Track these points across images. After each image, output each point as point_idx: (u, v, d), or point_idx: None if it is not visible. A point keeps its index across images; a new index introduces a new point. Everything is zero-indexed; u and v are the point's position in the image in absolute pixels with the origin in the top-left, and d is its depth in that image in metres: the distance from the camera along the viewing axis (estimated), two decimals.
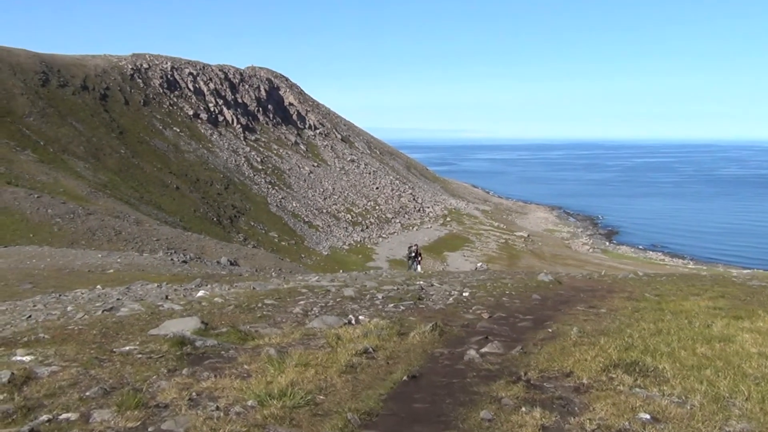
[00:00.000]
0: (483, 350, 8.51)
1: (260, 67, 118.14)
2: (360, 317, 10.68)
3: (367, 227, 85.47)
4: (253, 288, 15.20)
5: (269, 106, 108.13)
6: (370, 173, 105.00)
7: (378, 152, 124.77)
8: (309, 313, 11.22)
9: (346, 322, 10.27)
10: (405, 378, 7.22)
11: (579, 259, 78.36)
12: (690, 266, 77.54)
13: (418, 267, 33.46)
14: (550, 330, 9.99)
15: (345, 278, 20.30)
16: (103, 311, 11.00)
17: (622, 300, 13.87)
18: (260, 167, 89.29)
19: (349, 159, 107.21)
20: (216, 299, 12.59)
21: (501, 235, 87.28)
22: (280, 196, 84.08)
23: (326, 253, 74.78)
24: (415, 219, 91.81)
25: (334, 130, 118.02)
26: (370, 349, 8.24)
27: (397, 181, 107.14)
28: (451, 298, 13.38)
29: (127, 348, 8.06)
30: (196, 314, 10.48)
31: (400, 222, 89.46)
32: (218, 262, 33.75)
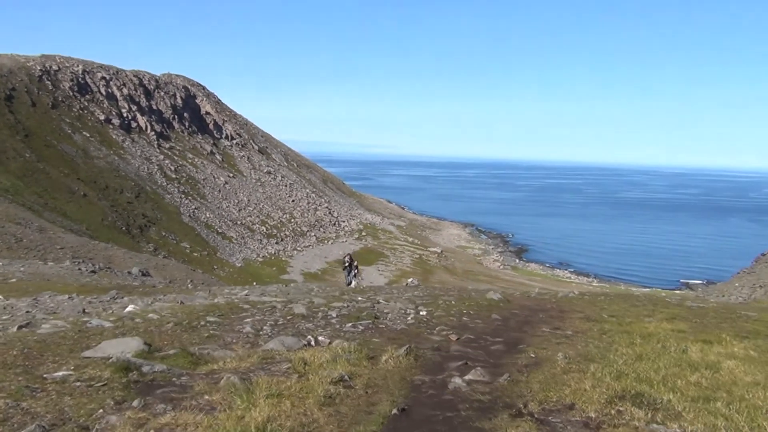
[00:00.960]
0: (467, 378, 8.13)
1: (177, 75, 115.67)
2: (319, 338, 10.22)
3: (282, 240, 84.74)
4: (181, 302, 14.65)
5: (185, 115, 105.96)
6: (286, 186, 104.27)
7: (295, 165, 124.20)
8: (260, 332, 10.67)
9: (306, 343, 9.79)
10: (394, 411, 6.71)
11: (490, 275, 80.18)
12: (594, 284, 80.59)
13: (355, 279, 32.85)
14: (532, 355, 9.73)
15: (276, 291, 20.18)
16: (19, 327, 10.02)
17: (582, 321, 13.92)
18: (174, 176, 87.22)
19: (265, 171, 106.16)
20: (150, 315, 11.80)
21: (415, 250, 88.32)
22: (193, 206, 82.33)
23: (240, 264, 73.64)
24: (330, 233, 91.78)
25: (251, 141, 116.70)
26: (346, 377, 7.63)
27: (314, 195, 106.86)
28: (409, 318, 13.09)
29: (61, 373, 7.15)
30: (131, 333, 9.77)
31: (315, 235, 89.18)
32: (129, 273, 32.67)
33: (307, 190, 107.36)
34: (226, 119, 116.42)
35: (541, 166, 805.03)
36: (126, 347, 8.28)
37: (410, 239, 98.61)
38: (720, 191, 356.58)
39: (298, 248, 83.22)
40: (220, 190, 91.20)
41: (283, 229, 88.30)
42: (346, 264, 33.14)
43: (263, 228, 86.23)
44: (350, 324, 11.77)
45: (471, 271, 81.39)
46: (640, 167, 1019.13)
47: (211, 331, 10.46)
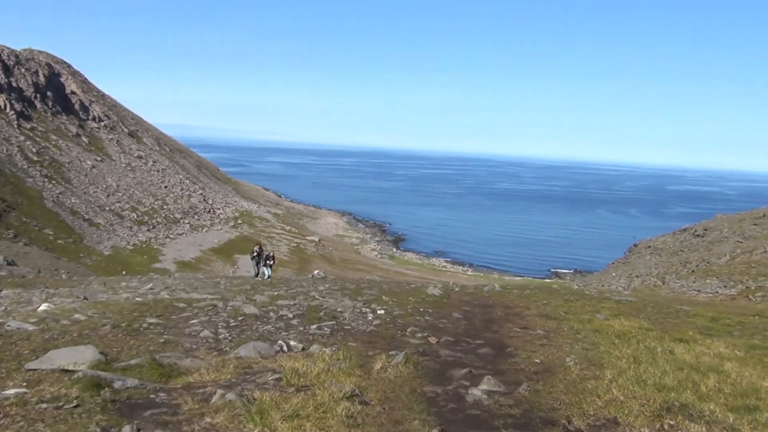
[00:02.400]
0: (482, 388, 7.90)
1: (39, 51, 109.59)
2: (291, 343, 9.77)
3: (153, 227, 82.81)
4: (84, 298, 14.02)
5: (48, 93, 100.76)
6: (158, 171, 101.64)
7: (168, 149, 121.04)
8: (219, 336, 10.18)
9: (278, 349, 9.34)
10: None
11: (368, 264, 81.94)
12: (469, 273, 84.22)
13: (268, 271, 31.59)
14: (538, 361, 9.48)
15: (185, 285, 19.59)
16: None
17: (542, 319, 13.99)
18: (36, 159, 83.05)
19: (136, 155, 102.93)
20: (77, 316, 10.96)
21: (292, 239, 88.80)
22: (57, 191, 78.85)
23: (108, 252, 71.41)
24: (205, 220, 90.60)
25: (120, 124, 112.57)
26: (357, 391, 7.15)
27: (188, 181, 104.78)
28: (369, 317, 12.86)
29: (13, 392, 6.23)
30: (64, 336, 9.12)
31: (189, 223, 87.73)
32: None
33: (181, 176, 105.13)
34: (93, 100, 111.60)
35: (418, 156, 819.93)
36: (79, 357, 7.50)
37: (287, 227, 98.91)
38: (588, 184, 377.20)
39: (171, 236, 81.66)
40: (86, 175, 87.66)
41: (155, 216, 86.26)
42: (255, 254, 32.44)
43: (133, 215, 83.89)
44: (314, 326, 11.44)
45: (349, 260, 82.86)
46: (513, 158, 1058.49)
47: (164, 336, 9.94)
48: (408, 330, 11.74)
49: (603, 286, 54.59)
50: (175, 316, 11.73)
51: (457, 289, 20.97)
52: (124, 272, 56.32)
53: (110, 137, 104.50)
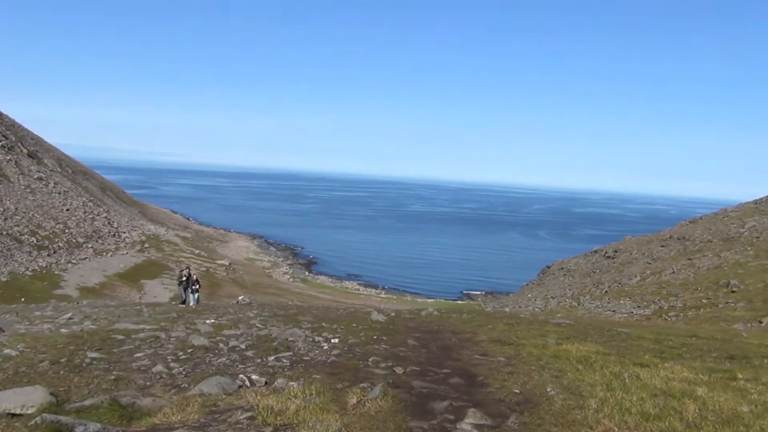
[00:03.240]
0: (469, 422, 7.79)
1: None
2: (252, 377, 9.46)
3: (54, 252, 79.96)
4: (1, 330, 13.28)
5: None
6: (60, 193, 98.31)
7: (70, 171, 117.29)
8: (172, 371, 9.81)
9: (241, 384, 9.06)
10: None
11: (280, 288, 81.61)
12: (382, 296, 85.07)
13: (195, 296, 30.32)
14: (516, 390, 9.36)
15: (94, 312, 18.86)
16: None
17: (497, 345, 13.83)
18: None
19: (36, 176, 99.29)
20: (6, 351, 10.28)
21: (202, 263, 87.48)
22: None
23: (5, 279, 68.61)
24: (110, 244, 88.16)
25: (19, 144, 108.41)
26: (343, 430, 6.96)
27: (91, 203, 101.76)
28: (325, 346, 12.63)
29: None
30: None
31: (92, 247, 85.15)
32: None
33: (84, 199, 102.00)
34: None
35: (330, 178, 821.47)
36: (27, 399, 6.96)
37: (197, 251, 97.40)
38: (497, 206, 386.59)
39: (74, 261, 79.04)
40: None
41: (56, 240, 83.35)
42: (183, 278, 30.66)
43: (33, 239, 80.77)
44: (272, 357, 11.09)
45: (260, 284, 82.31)
46: (425, 181, 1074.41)
47: (113, 372, 9.50)
48: (370, 360, 11.46)
49: (520, 307, 56.10)
50: (117, 350, 11.31)
51: (392, 314, 20.69)
52: (22, 299, 54.35)
53: (8, 158, 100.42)
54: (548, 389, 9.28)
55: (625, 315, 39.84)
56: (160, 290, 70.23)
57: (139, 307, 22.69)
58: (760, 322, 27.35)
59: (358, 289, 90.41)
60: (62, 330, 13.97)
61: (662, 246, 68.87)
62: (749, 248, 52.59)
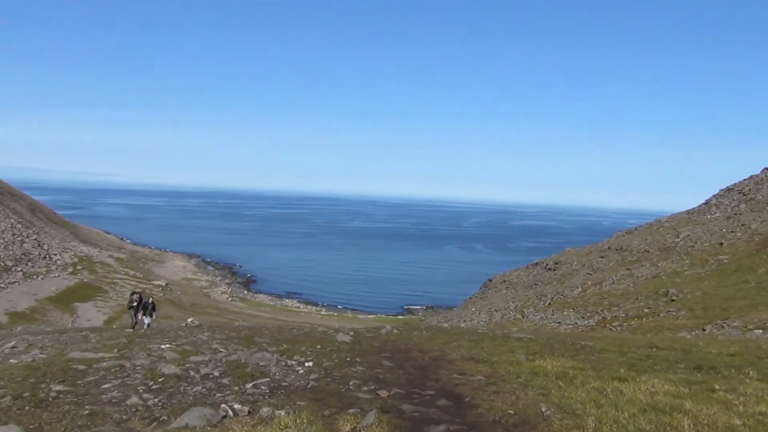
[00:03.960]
0: None
1: None
2: (235, 406, 9.08)
3: None
4: None
5: None
6: None
7: None
8: (148, 402, 9.42)
9: (225, 414, 8.71)
10: None
11: (219, 308, 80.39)
12: (322, 313, 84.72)
13: (148, 320, 29.55)
14: (511, 412, 9.17)
15: (38, 340, 17.89)
16: None
17: (471, 362, 13.61)
18: None
19: None
20: None
21: (138, 284, 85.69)
22: None
23: None
24: (40, 267, 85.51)
25: None
26: None
27: (20, 225, 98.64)
28: (301, 370, 12.27)
29: None
30: None
31: (22, 270, 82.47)
32: None
33: (12, 221, 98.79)
34: None
35: (266, 196, 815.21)
36: None
37: (131, 272, 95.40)
38: (435, 220, 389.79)
39: (2, 285, 76.56)
40: None
41: None
42: (135, 303, 30.03)
43: None
44: (250, 384, 10.69)
45: (198, 304, 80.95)
46: (363, 197, 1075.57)
47: (85, 407, 9.02)
48: (351, 383, 11.09)
49: (465, 321, 56.19)
50: (82, 381, 10.66)
51: (352, 333, 20.10)
52: None
53: None
54: (543, 409, 9.12)
55: (570, 326, 40.12)
56: (93, 313, 68.50)
57: (84, 333, 21.51)
58: (704, 330, 27.90)
59: (298, 307, 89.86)
60: (12, 360, 13.28)
61: (601, 257, 70.39)
62: (685, 257, 53.76)
